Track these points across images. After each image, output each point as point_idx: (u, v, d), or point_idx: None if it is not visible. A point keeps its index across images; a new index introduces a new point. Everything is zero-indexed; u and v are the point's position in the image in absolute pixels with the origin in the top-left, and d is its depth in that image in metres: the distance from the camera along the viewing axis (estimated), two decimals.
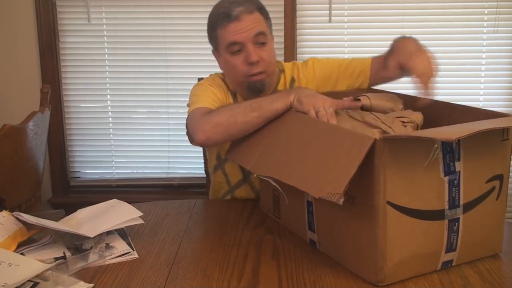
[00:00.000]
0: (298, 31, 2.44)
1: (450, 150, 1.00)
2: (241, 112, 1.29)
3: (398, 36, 1.45)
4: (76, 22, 2.50)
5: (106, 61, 2.53)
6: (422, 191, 0.99)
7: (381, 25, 2.46)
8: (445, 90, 2.45)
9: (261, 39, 1.44)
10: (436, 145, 0.98)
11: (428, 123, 1.25)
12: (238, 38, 1.42)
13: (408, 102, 1.35)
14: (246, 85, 1.46)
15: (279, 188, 1.19)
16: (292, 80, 1.58)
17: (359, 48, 2.48)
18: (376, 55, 1.54)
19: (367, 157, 0.95)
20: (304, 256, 1.12)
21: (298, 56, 2.43)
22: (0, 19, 2.45)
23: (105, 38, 2.52)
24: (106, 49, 2.53)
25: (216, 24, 1.45)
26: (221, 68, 1.56)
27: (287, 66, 1.60)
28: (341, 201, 0.92)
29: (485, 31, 2.45)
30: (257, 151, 1.23)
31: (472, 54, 2.47)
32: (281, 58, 2.42)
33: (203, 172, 1.97)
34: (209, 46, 2.57)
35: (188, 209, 1.40)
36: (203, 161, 1.96)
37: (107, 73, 2.54)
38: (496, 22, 2.43)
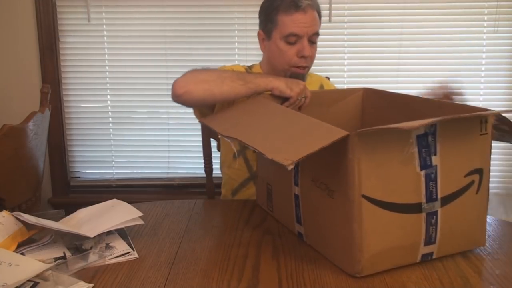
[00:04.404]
0: None
1: (426, 144, 1.02)
2: (229, 77, 1.35)
3: None
4: (76, 22, 2.50)
5: (106, 61, 2.54)
6: (398, 185, 1.00)
7: (381, 25, 2.46)
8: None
9: (314, 39, 1.52)
10: (411, 140, 0.99)
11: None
12: (300, 31, 1.47)
13: (410, 103, 1.36)
14: (288, 73, 1.52)
15: (231, 143, 1.24)
16: (321, 86, 1.68)
17: (359, 48, 2.48)
18: None
19: (341, 152, 0.97)
20: (304, 256, 1.12)
21: None
22: (0, 19, 2.45)
23: (105, 38, 2.52)
24: (106, 49, 2.53)
25: (280, 8, 1.48)
26: (265, 50, 1.60)
27: (312, 73, 1.68)
28: (290, 167, 0.92)
29: (485, 31, 2.45)
30: (232, 121, 1.27)
31: (472, 54, 2.48)
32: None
33: (203, 172, 1.98)
34: (209, 46, 2.58)
35: (188, 209, 1.40)
36: (203, 161, 1.97)
37: (107, 73, 2.54)
38: (496, 22, 2.43)
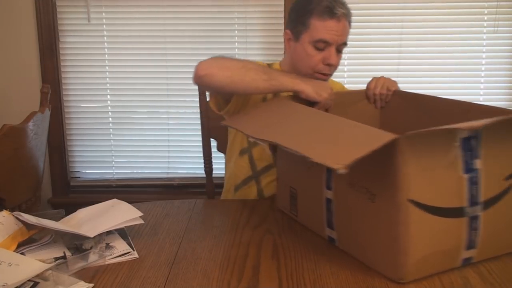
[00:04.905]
0: None
1: (469, 148, 1.01)
2: (254, 69, 1.33)
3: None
4: (76, 22, 2.50)
5: (106, 61, 2.54)
6: (443, 188, 0.99)
7: (381, 25, 2.46)
8: (445, 90, 2.46)
9: (342, 48, 1.50)
10: (456, 143, 0.98)
11: (443, 123, 1.26)
12: (330, 38, 1.45)
13: (432, 104, 1.39)
14: (310, 77, 1.50)
15: (271, 153, 1.19)
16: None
17: (359, 48, 2.48)
18: None
19: (390, 155, 0.94)
20: (304, 256, 1.12)
21: None
22: (0, 19, 2.45)
23: (105, 38, 2.52)
24: (106, 49, 2.53)
25: (314, 12, 1.46)
26: (290, 50, 1.57)
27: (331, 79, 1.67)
28: (342, 171, 0.89)
29: (485, 31, 2.45)
30: (261, 123, 1.22)
31: (472, 54, 2.48)
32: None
33: (203, 172, 1.98)
34: (209, 46, 2.58)
35: (188, 209, 1.40)
36: (203, 161, 1.97)
37: (107, 73, 2.54)
38: (496, 22, 2.43)
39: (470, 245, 1.05)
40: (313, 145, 1.03)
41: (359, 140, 0.99)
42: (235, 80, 1.32)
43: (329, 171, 1.12)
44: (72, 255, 1.08)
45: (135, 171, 2.64)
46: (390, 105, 1.51)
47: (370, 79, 1.56)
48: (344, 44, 1.50)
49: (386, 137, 0.93)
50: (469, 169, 1.01)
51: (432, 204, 0.98)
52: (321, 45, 1.46)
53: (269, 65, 1.64)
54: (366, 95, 1.54)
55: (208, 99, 1.95)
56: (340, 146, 1.00)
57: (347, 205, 1.10)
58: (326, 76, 1.52)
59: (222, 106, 1.51)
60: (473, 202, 1.02)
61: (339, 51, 1.50)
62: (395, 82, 1.53)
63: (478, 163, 1.02)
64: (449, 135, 0.98)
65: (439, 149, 0.98)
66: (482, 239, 1.05)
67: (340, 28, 1.46)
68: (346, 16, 1.47)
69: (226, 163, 1.73)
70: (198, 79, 1.37)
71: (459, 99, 1.34)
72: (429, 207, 0.98)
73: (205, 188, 1.99)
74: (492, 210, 1.05)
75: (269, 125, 1.20)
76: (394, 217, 0.97)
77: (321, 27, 1.45)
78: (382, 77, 1.54)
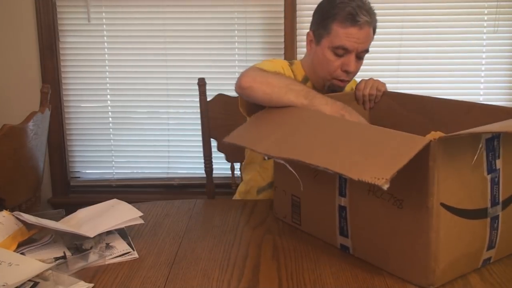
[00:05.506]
0: (298, 31, 2.44)
1: (492, 148, 1.00)
2: (295, 90, 1.28)
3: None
4: (76, 22, 2.50)
5: (106, 61, 2.54)
6: (469, 190, 0.99)
7: (381, 25, 2.45)
8: (445, 90, 2.46)
9: (362, 55, 1.49)
10: (481, 145, 0.98)
11: (439, 122, 1.24)
12: (351, 46, 1.44)
13: (415, 102, 1.38)
14: (328, 83, 1.51)
15: (296, 174, 1.10)
16: (352, 90, 1.65)
17: None
18: None
19: (419, 159, 0.92)
20: (304, 256, 1.12)
21: (298, 56, 2.43)
22: (0, 19, 2.45)
23: (105, 38, 2.52)
24: (106, 49, 2.53)
25: (337, 17, 1.44)
26: (311, 52, 1.56)
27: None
28: (386, 186, 0.87)
29: (485, 31, 2.45)
30: (273, 136, 1.17)
31: (472, 54, 2.48)
32: (281, 58, 2.42)
33: (203, 172, 1.98)
34: (208, 47, 2.58)
35: (188, 209, 1.40)
36: (203, 161, 1.97)
37: (107, 73, 2.54)
38: (496, 22, 2.43)
39: (491, 246, 1.04)
40: (342, 159, 0.98)
41: (391, 147, 0.96)
42: (273, 99, 1.28)
43: (343, 178, 1.09)
44: (72, 255, 1.08)
45: (135, 171, 2.64)
46: (379, 106, 1.50)
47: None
48: (365, 51, 1.48)
49: (419, 142, 0.91)
50: (491, 169, 1.01)
51: (461, 207, 0.98)
52: (340, 51, 1.45)
53: (290, 63, 1.61)
54: (355, 97, 1.52)
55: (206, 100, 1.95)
56: (372, 157, 0.95)
57: (366, 212, 1.06)
58: (343, 82, 1.50)
59: (253, 111, 1.49)
60: (495, 202, 1.02)
61: (359, 58, 1.48)
62: (384, 84, 1.52)
63: (498, 163, 1.02)
64: (475, 137, 0.97)
65: (465, 151, 0.97)
66: (501, 239, 1.05)
67: (361, 36, 1.44)
68: (370, 23, 1.45)
69: (246, 165, 1.69)
70: (240, 90, 1.34)
71: (449, 98, 1.34)
72: (458, 210, 0.97)
73: (205, 188, 1.99)
74: (510, 209, 1.05)
75: (282, 139, 1.14)
76: (425, 222, 0.95)
77: (342, 34, 1.43)
78: (371, 79, 1.53)
